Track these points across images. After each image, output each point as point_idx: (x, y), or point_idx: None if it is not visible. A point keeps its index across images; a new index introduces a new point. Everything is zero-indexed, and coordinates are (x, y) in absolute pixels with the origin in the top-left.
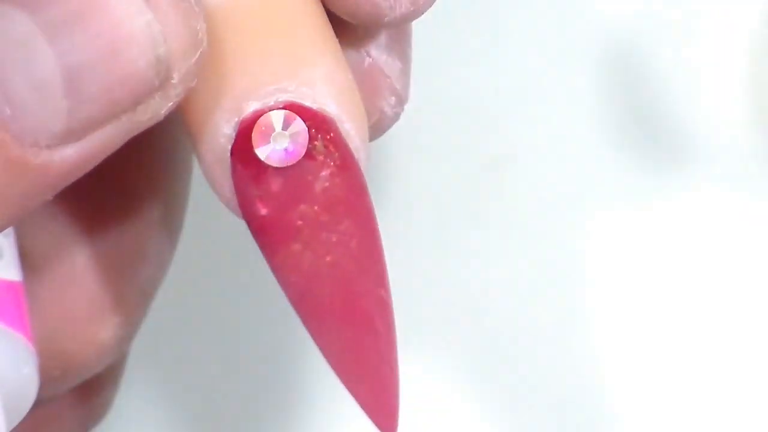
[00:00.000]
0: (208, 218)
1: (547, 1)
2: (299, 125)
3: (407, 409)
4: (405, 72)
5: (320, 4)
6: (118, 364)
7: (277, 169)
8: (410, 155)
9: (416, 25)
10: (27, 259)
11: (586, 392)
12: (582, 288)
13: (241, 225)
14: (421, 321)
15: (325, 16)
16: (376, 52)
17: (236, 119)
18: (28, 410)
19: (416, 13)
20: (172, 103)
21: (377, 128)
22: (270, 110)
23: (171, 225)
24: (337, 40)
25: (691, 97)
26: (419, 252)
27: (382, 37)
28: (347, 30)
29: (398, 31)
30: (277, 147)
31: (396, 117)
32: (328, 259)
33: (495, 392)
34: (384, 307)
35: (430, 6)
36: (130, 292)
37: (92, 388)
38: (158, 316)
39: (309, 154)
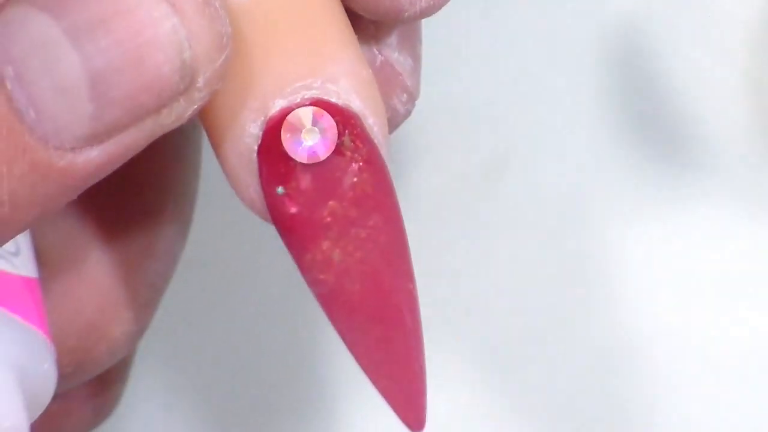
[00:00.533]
0: (217, 215)
1: (548, 1)
2: (328, 121)
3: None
4: (416, 69)
5: (339, 1)
6: (127, 359)
7: (305, 166)
8: (410, 155)
9: None
10: (40, 256)
11: (587, 392)
12: (582, 288)
13: (250, 222)
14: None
15: (344, 12)
16: (388, 51)
17: (262, 118)
18: (46, 405)
19: (435, 7)
20: (197, 106)
21: (389, 125)
22: (297, 107)
23: (180, 221)
24: (355, 37)
25: (691, 97)
26: (419, 252)
27: (394, 36)
28: (360, 27)
29: (409, 28)
30: (307, 143)
31: (407, 114)
32: (357, 255)
33: (498, 394)
34: (413, 301)
35: (449, 1)
36: (141, 287)
37: (102, 383)
38: (166, 312)
39: (337, 150)
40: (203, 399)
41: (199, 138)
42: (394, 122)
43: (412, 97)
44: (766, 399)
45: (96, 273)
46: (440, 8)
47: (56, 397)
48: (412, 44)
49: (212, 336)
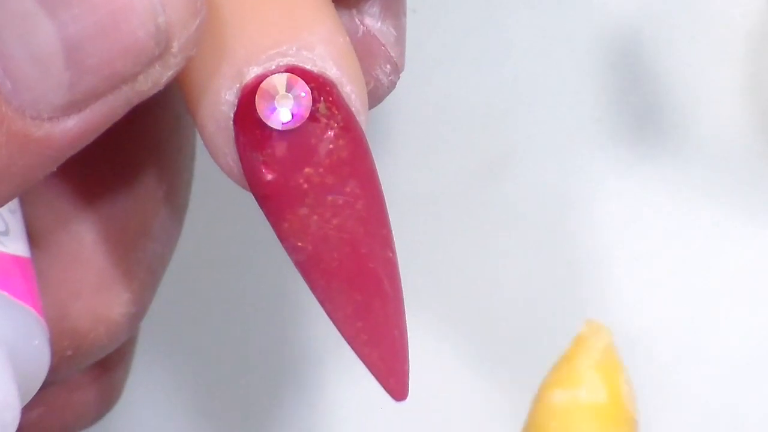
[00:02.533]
0: (216, 204)
1: (547, 1)
2: (302, 88)
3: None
4: (399, 40)
5: None
6: (128, 346)
7: (281, 133)
8: (410, 155)
9: (416, 27)
10: (34, 237)
11: None
12: (582, 288)
13: (250, 209)
14: (420, 320)
15: None
16: (370, 21)
17: (237, 85)
18: (40, 384)
19: None
20: (172, 72)
21: (373, 96)
22: (271, 74)
23: (176, 201)
24: (333, 5)
25: (690, 97)
26: (419, 252)
27: (376, 6)
28: None
29: None
30: (281, 110)
31: (392, 85)
32: (335, 221)
33: (498, 394)
34: (392, 268)
35: None
36: (138, 269)
37: (104, 368)
38: (167, 305)
39: (312, 117)
40: (203, 394)
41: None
42: (378, 93)
43: (396, 68)
44: (766, 399)
45: (92, 255)
46: None
47: (59, 384)
48: (395, 14)
49: (211, 332)
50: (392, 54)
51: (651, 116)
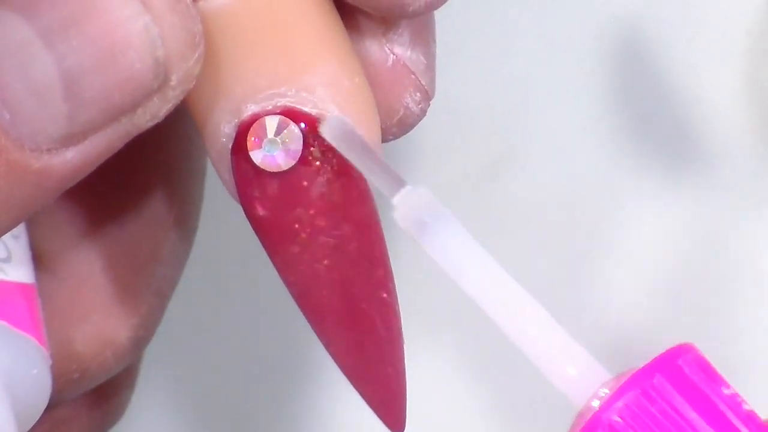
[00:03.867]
0: (222, 220)
1: (548, 2)
2: (294, 131)
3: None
4: (429, 67)
5: (331, 2)
6: (134, 365)
7: (273, 172)
8: (410, 155)
9: None
10: (42, 261)
11: None
12: (582, 288)
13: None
14: (421, 322)
15: (336, 15)
16: (400, 49)
17: (236, 120)
18: (41, 412)
19: (440, 0)
20: (171, 105)
21: (403, 124)
22: (267, 114)
23: (185, 226)
24: (348, 41)
25: (690, 97)
26: (418, 252)
27: (406, 34)
28: (370, 26)
29: (421, 26)
30: (268, 153)
31: (422, 113)
32: (325, 262)
33: (498, 393)
34: (386, 309)
35: None
36: (146, 293)
37: (109, 390)
38: (171, 318)
39: (304, 160)
40: (205, 404)
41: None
42: (408, 121)
43: (427, 96)
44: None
45: (100, 279)
46: (446, 1)
47: (63, 404)
48: (425, 41)
49: (215, 342)
50: (422, 82)
51: (651, 116)
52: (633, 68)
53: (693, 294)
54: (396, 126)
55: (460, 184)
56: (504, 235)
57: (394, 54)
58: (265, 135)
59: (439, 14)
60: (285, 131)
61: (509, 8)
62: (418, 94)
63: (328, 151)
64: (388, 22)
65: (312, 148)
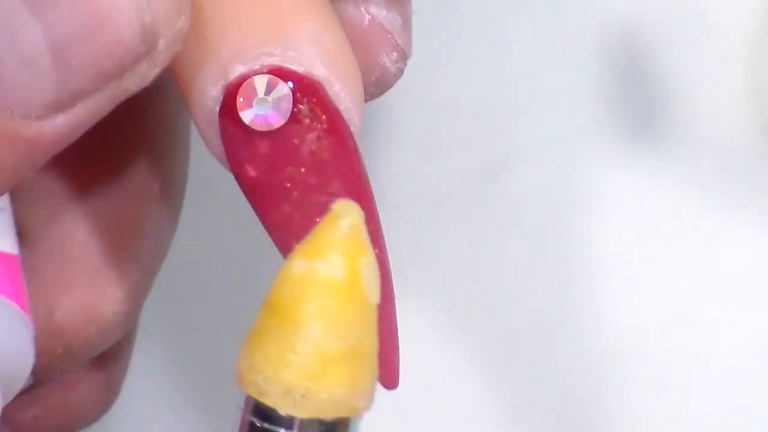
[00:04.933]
0: (215, 198)
1: (548, 1)
2: (283, 89)
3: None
4: (406, 27)
5: None
6: (125, 344)
7: (263, 132)
8: (410, 155)
9: (416, 27)
10: (25, 234)
11: (585, 391)
12: (581, 288)
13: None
14: (419, 320)
15: None
16: (376, 9)
17: (222, 82)
18: (23, 382)
19: None
20: (159, 69)
21: (380, 84)
22: (255, 74)
23: (170, 200)
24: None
25: (691, 98)
26: (418, 252)
27: None
28: None
29: None
30: (259, 112)
31: (399, 73)
32: (317, 220)
33: (497, 394)
34: (380, 266)
35: None
36: (130, 267)
37: (100, 368)
38: (164, 302)
39: (294, 118)
40: (201, 393)
41: (187, 119)
42: (385, 81)
43: (403, 56)
44: (764, 400)
45: (83, 252)
46: None
47: (54, 384)
48: (400, 1)
49: (210, 328)
50: (399, 41)
51: (651, 117)
52: (633, 69)
53: (693, 295)
54: (374, 86)
55: (460, 184)
56: (503, 235)
57: (369, 14)
58: (255, 95)
59: (439, 14)
60: (274, 90)
61: (509, 8)
62: (394, 53)
63: (316, 107)
64: None
65: (301, 106)
